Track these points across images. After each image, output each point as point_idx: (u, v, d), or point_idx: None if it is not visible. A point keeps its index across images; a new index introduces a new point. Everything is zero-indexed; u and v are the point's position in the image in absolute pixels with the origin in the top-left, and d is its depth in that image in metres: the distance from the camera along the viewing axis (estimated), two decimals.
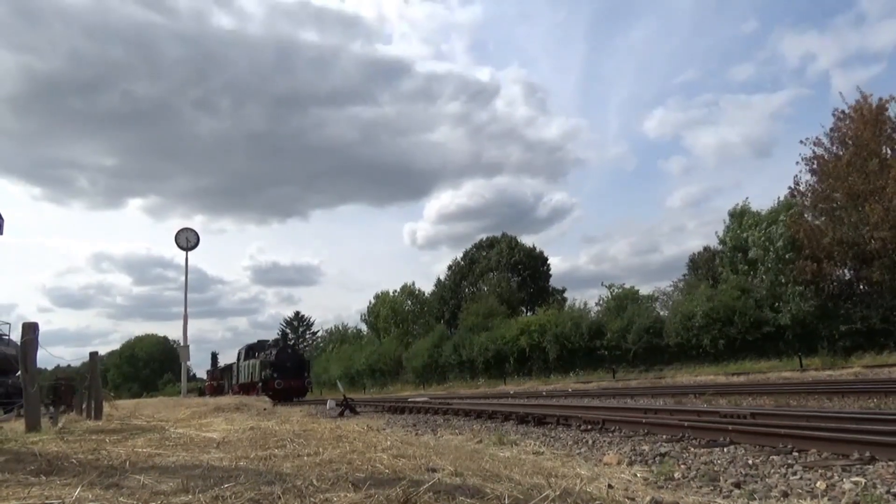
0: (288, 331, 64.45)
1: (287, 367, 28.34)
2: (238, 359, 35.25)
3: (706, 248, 38.40)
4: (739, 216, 31.40)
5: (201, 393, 51.62)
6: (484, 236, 60.50)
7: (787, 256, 26.68)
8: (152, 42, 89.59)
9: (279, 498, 2.65)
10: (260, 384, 28.57)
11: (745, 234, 29.61)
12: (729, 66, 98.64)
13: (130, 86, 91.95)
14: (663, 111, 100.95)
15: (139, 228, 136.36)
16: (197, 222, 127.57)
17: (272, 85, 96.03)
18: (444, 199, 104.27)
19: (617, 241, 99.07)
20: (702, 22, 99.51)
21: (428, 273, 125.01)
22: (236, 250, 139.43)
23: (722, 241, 32.35)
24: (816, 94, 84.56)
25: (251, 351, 33.10)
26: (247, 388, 31.03)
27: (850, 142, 24.57)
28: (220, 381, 43.70)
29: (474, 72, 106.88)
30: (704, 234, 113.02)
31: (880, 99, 24.44)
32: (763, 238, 27.87)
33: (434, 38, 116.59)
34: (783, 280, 26.72)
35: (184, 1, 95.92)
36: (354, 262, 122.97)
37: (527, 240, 66.42)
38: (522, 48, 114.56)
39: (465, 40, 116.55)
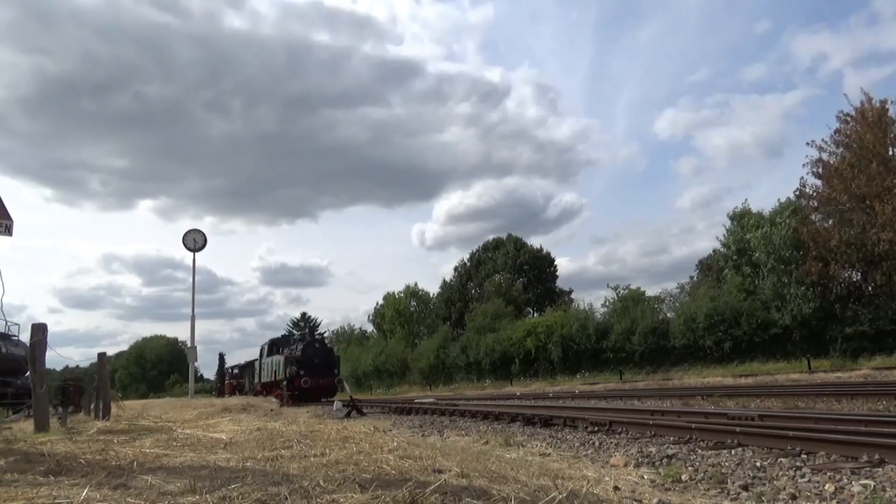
0: (295, 331, 64.87)
1: (315, 363, 25.84)
2: (260, 355, 32.69)
3: (715, 251, 38.28)
4: (740, 218, 31.29)
5: (220, 393, 50.49)
6: (490, 237, 60.59)
7: (787, 256, 26.56)
8: (165, 43, 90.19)
9: (286, 499, 2.66)
10: (284, 382, 26.27)
11: (746, 236, 29.51)
12: (740, 65, 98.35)
13: (142, 87, 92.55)
14: (674, 111, 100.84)
15: (149, 230, 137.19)
16: (207, 223, 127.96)
17: (283, 86, 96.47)
18: (453, 200, 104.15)
19: (626, 241, 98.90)
20: (711, 22, 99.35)
21: (436, 274, 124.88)
22: (246, 251, 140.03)
23: (725, 244, 32.23)
24: (829, 95, 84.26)
25: (275, 346, 30.57)
26: (270, 388, 28.95)
27: (855, 144, 24.48)
28: (239, 379, 41.81)
29: (485, 72, 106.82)
30: (714, 235, 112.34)
31: (882, 101, 24.35)
32: (763, 240, 27.75)
33: (445, 39, 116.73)
34: (786, 281, 26.60)
35: (196, 2, 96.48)
36: (363, 263, 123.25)
37: (535, 241, 66.57)
38: (533, 48, 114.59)
39: (477, 40, 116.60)
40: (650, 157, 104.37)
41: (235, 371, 45.81)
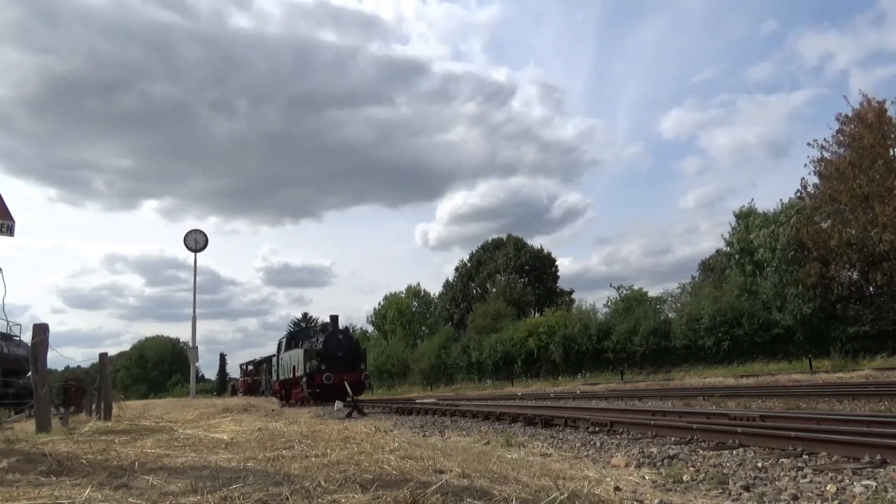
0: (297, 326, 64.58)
1: (338, 357, 22.87)
2: (278, 350, 29.61)
3: (719, 251, 38.37)
4: (745, 217, 31.27)
5: (234, 391, 48.97)
6: (490, 237, 60.56)
7: (790, 256, 26.57)
8: (171, 43, 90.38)
9: (287, 499, 2.66)
10: (304, 379, 23.44)
11: (751, 236, 29.52)
12: (746, 65, 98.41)
13: (148, 87, 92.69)
14: (679, 111, 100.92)
15: (153, 230, 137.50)
16: (211, 224, 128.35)
17: (289, 86, 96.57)
18: (456, 200, 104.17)
19: (629, 241, 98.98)
20: (715, 21, 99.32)
21: (439, 275, 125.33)
22: (249, 251, 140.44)
23: (729, 244, 32.23)
24: (834, 94, 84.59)
25: (293, 339, 27.66)
26: (288, 385, 26.43)
27: (856, 144, 24.49)
28: (255, 377, 40.06)
29: (491, 72, 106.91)
30: (717, 235, 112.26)
31: (881, 102, 24.34)
32: (768, 240, 27.76)
33: (452, 38, 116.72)
34: (787, 281, 26.60)
35: (203, 2, 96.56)
36: (366, 263, 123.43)
37: (539, 241, 66.57)
38: (539, 48, 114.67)
39: (483, 40, 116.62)
40: (654, 156, 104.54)
41: (251, 368, 43.32)
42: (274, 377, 29.90)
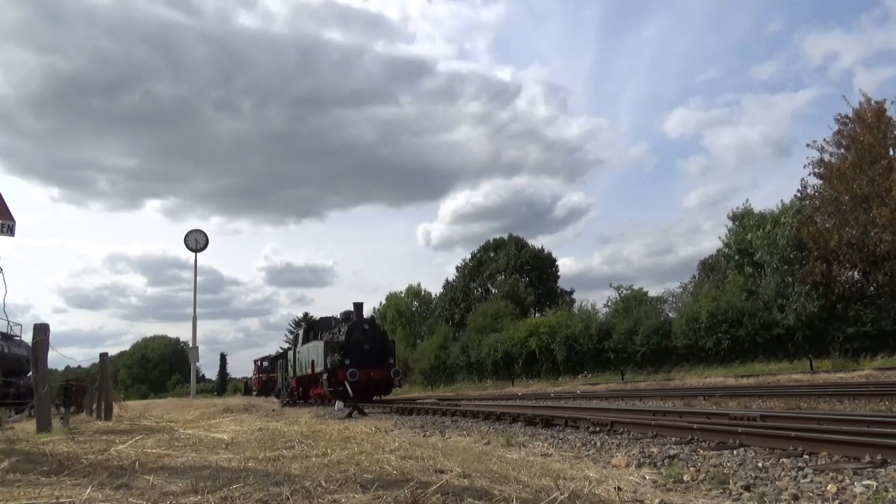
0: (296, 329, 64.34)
1: (363, 350, 20.30)
2: (295, 343, 26.85)
3: (719, 251, 38.35)
4: (740, 218, 31.26)
5: (247, 390, 48.28)
6: (492, 237, 60.58)
7: (791, 256, 26.56)
8: (176, 42, 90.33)
9: (287, 499, 2.66)
10: (325, 376, 20.72)
11: (748, 236, 29.51)
12: (751, 64, 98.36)
13: (153, 86, 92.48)
14: (683, 110, 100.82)
15: (156, 230, 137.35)
16: (213, 223, 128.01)
17: (294, 85, 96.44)
18: (460, 200, 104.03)
19: (631, 241, 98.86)
20: (718, 20, 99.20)
21: (441, 275, 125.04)
22: (252, 251, 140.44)
23: (727, 244, 32.22)
24: (839, 94, 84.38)
25: (312, 332, 24.72)
26: (307, 383, 23.84)
27: (854, 145, 24.49)
28: (270, 374, 38.29)
29: (496, 71, 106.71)
30: (719, 235, 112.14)
31: (879, 102, 24.32)
32: (766, 241, 27.76)
33: (457, 37, 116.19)
34: (790, 280, 26.60)
35: (208, 1, 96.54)
36: (369, 262, 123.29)
37: (541, 241, 66.58)
38: (543, 47, 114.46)
39: (488, 39, 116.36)
40: (658, 156, 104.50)
41: (265, 364, 41.31)
42: (290, 373, 27.17)
